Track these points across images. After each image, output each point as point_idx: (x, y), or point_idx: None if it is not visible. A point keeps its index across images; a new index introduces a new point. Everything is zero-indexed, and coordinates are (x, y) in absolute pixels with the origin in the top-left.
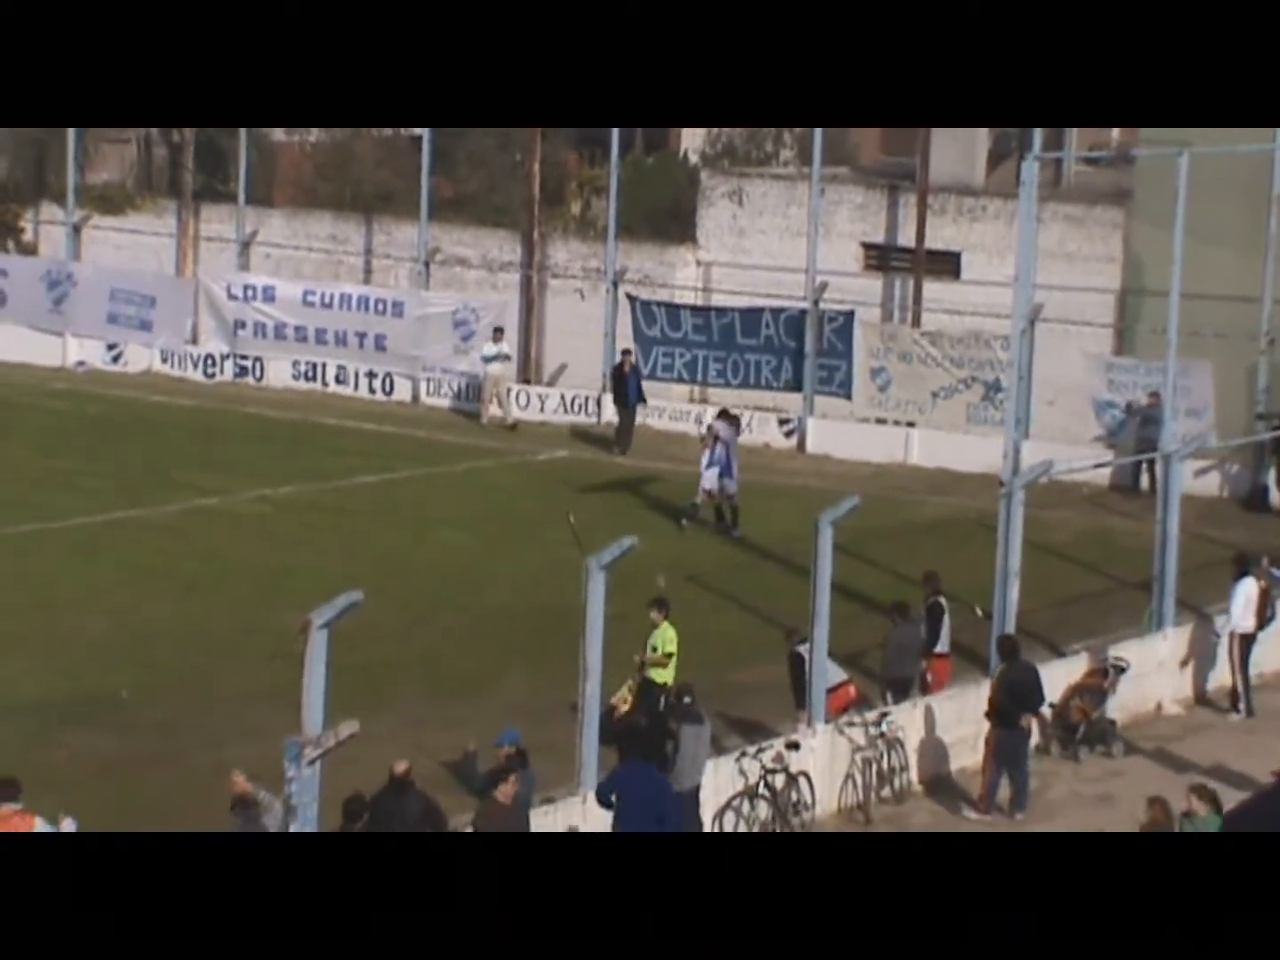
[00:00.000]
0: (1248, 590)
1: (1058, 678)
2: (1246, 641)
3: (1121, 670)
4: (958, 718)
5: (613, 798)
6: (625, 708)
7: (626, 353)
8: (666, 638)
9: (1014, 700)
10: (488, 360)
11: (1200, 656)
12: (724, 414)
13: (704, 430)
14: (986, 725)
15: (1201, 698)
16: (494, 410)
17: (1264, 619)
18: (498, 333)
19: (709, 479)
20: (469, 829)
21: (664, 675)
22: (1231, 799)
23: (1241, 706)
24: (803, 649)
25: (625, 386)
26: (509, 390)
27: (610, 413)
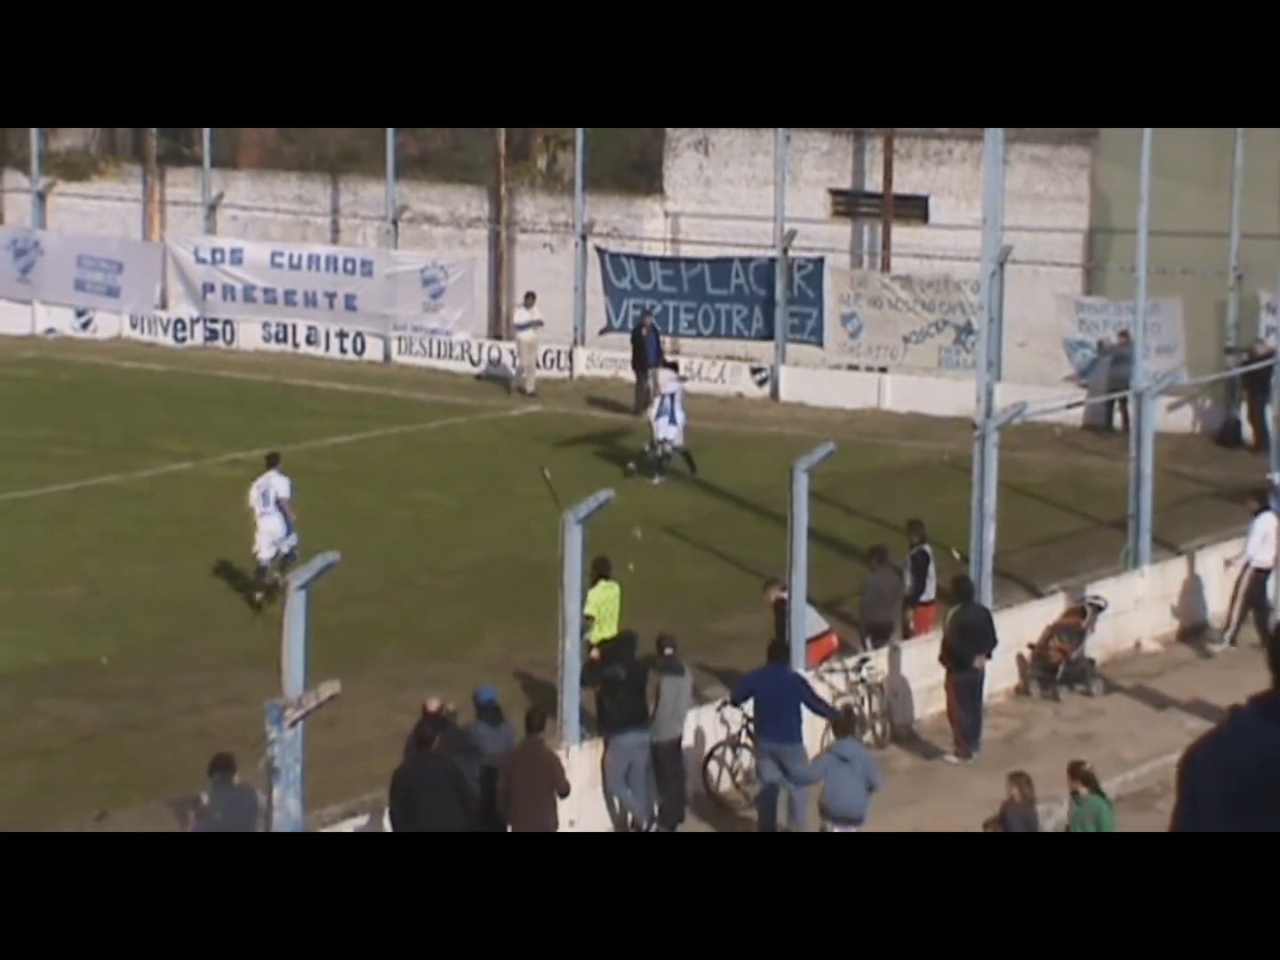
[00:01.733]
0: (1266, 525)
1: (1036, 618)
2: (1260, 575)
3: (1099, 609)
4: (936, 663)
5: (747, 700)
6: None
7: (646, 313)
8: (590, 600)
9: (967, 642)
10: (521, 328)
11: (1178, 592)
12: (661, 362)
13: (650, 384)
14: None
15: (1184, 634)
16: (526, 377)
17: None
18: (529, 298)
19: (660, 428)
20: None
21: (597, 634)
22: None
23: (1227, 636)
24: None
25: (644, 347)
26: (541, 357)
27: (582, 366)
